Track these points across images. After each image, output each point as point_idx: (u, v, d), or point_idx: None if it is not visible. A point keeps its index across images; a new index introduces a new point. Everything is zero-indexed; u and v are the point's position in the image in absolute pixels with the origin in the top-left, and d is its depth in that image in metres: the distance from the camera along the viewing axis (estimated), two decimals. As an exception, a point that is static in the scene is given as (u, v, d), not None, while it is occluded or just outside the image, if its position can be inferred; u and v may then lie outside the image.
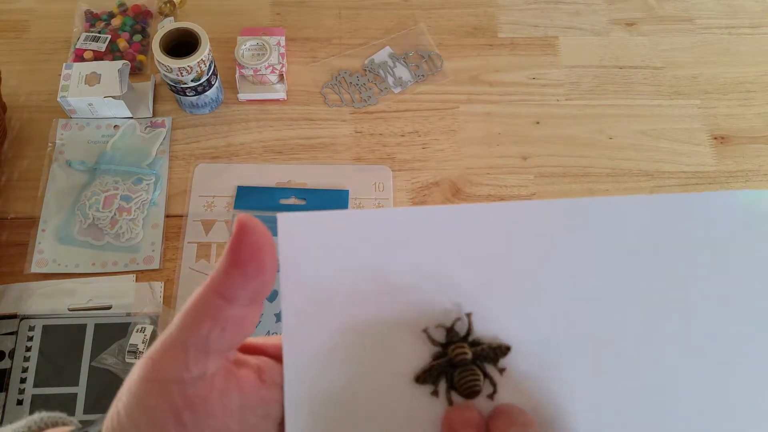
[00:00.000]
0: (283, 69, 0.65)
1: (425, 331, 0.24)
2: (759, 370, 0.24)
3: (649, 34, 0.73)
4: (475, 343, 0.24)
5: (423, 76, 0.69)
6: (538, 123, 0.67)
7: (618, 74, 0.70)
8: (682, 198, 0.24)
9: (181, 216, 0.60)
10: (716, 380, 0.24)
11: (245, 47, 0.65)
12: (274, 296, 0.56)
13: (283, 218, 0.24)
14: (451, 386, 0.24)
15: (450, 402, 0.24)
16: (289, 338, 0.24)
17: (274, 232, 0.24)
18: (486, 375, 0.24)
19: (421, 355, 0.24)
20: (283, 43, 0.66)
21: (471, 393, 0.24)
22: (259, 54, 0.65)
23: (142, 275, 0.57)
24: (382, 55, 0.70)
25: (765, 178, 0.65)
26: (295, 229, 0.24)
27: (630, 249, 0.24)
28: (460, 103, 0.68)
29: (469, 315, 0.24)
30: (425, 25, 0.72)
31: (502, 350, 0.24)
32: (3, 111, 0.63)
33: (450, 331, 0.24)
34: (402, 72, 0.69)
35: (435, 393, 0.24)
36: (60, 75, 0.62)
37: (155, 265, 0.58)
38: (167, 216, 0.60)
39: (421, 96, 0.68)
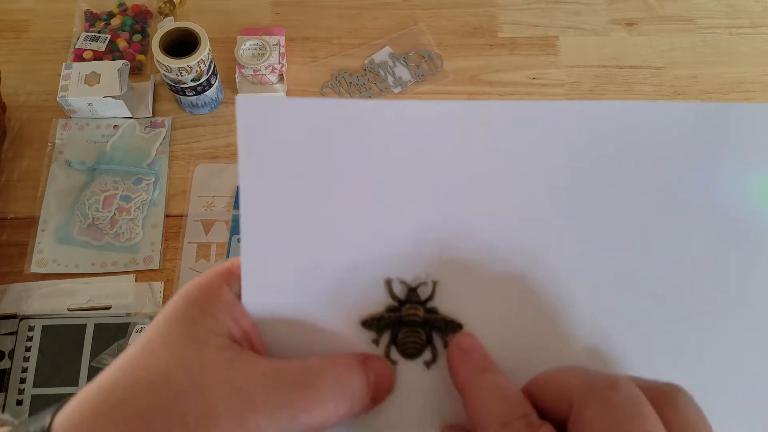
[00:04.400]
0: (283, 69, 0.65)
1: (388, 282, 0.24)
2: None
3: (650, 34, 0.72)
4: (430, 311, 0.24)
5: (423, 75, 0.69)
6: (538, 123, 0.67)
7: (618, 74, 0.70)
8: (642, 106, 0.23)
9: (181, 216, 0.60)
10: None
11: (245, 47, 0.65)
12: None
13: (242, 101, 0.22)
14: (394, 342, 0.24)
15: (387, 355, 0.24)
16: (247, 230, 0.23)
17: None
18: (430, 343, 0.24)
19: (376, 300, 0.24)
20: (282, 42, 0.66)
21: (409, 354, 0.24)
22: (259, 54, 0.65)
23: (141, 275, 0.57)
24: (382, 54, 0.70)
25: (765, 178, 0.65)
26: (256, 114, 0.22)
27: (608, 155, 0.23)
28: (460, 103, 0.67)
29: (435, 283, 0.24)
30: (425, 25, 0.72)
31: (454, 326, 0.24)
32: (3, 111, 0.63)
33: (411, 291, 0.24)
34: (402, 72, 0.69)
35: (376, 342, 0.24)
36: (60, 75, 0.62)
37: (155, 265, 0.57)
38: (167, 216, 0.60)
39: (421, 96, 0.68)
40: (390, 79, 0.68)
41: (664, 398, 0.19)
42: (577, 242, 0.23)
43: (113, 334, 0.54)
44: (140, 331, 0.53)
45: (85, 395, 0.21)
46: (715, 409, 0.19)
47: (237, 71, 0.65)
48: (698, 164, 0.23)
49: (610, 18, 0.73)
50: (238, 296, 0.24)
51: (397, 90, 0.68)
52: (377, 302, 0.24)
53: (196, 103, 0.63)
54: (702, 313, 0.24)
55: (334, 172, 0.23)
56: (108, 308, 0.56)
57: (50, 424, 0.20)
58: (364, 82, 0.68)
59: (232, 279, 0.24)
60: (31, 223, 0.59)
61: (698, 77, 0.70)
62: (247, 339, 0.23)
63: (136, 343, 0.22)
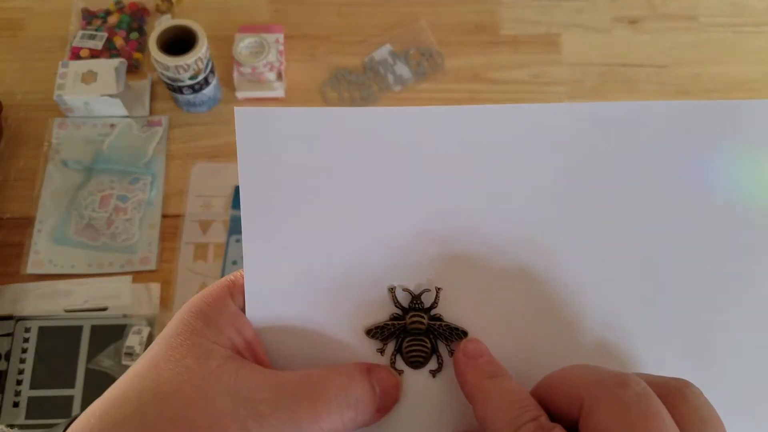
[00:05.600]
0: (282, 67, 0.64)
1: (391, 290, 0.24)
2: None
3: (653, 32, 0.72)
4: (434, 318, 0.24)
5: (424, 73, 0.68)
6: (539, 122, 0.66)
7: (621, 72, 0.69)
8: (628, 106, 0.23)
9: (178, 216, 0.59)
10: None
11: (243, 45, 0.64)
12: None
13: (241, 113, 0.22)
14: (398, 350, 0.24)
15: (392, 364, 0.24)
16: (249, 242, 0.23)
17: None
18: (435, 351, 0.24)
19: (380, 308, 0.24)
20: (281, 40, 0.66)
21: (414, 363, 0.24)
22: (257, 52, 0.64)
23: (138, 276, 0.57)
24: (383, 52, 0.69)
25: (769, 177, 0.64)
26: (254, 126, 0.22)
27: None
28: (461, 102, 0.67)
29: (438, 290, 0.24)
30: (426, 22, 0.71)
31: (459, 333, 0.24)
32: (-2, 110, 0.62)
33: (415, 299, 0.24)
34: (402, 70, 0.68)
35: (381, 351, 0.24)
36: (56, 73, 0.61)
37: (152, 266, 0.57)
38: (164, 216, 0.59)
39: (422, 94, 0.67)
40: (390, 77, 0.68)
41: (674, 394, 0.19)
42: (582, 240, 0.23)
43: (110, 336, 0.54)
44: (137, 333, 0.53)
45: (94, 409, 0.21)
46: (726, 404, 0.19)
47: (235, 69, 0.64)
48: (700, 159, 0.23)
49: (612, 16, 0.72)
50: (243, 309, 0.24)
51: (397, 88, 0.67)
52: (381, 311, 0.24)
53: (194, 102, 0.63)
54: (711, 307, 0.24)
55: (334, 180, 0.23)
56: (104, 309, 0.55)
57: None
58: (364, 81, 0.67)
59: (236, 291, 0.24)
60: (27, 223, 0.58)
61: (701, 75, 0.69)
62: (250, 350, 0.23)
63: (143, 356, 0.22)
